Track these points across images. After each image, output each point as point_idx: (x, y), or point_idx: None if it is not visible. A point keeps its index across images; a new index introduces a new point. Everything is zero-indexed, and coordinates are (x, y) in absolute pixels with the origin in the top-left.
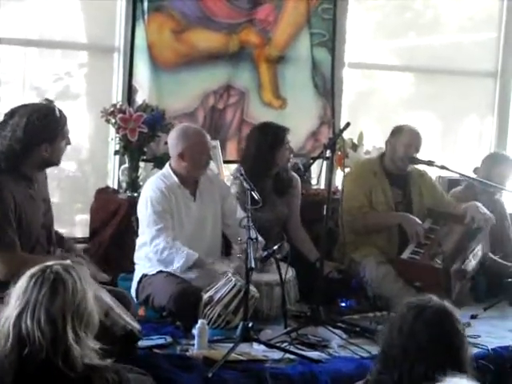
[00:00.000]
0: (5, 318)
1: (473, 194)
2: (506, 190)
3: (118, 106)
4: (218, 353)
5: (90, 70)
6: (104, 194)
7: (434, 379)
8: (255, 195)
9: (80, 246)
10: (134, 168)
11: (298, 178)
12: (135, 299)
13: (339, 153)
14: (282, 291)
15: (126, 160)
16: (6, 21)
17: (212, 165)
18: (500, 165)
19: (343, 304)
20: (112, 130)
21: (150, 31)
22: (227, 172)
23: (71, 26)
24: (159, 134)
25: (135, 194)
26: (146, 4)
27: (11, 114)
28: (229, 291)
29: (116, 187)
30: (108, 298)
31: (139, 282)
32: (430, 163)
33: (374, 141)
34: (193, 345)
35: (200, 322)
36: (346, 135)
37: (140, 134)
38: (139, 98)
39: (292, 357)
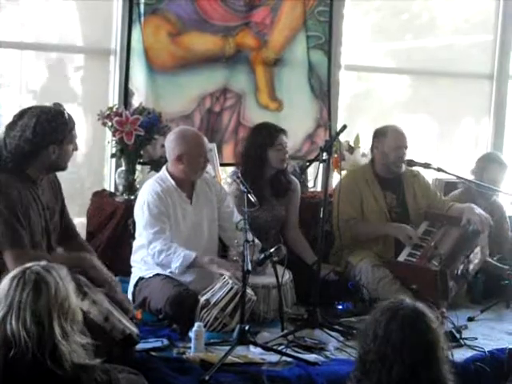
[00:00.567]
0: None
1: (471, 196)
2: (503, 191)
3: (114, 109)
4: (215, 356)
5: (87, 73)
6: (100, 197)
7: (413, 380)
8: (251, 198)
9: None
10: (130, 171)
11: (298, 182)
12: (132, 302)
13: (336, 155)
14: (278, 294)
15: (123, 163)
16: (3, 24)
17: (209, 168)
18: (490, 169)
19: (340, 307)
20: (108, 133)
21: (147, 34)
22: (224, 175)
23: (67, 29)
24: (156, 137)
25: (132, 197)
26: (142, 7)
27: (20, 115)
28: (225, 294)
29: (113, 190)
30: (107, 303)
31: (136, 285)
32: (426, 165)
33: (370, 143)
34: (189, 348)
35: (197, 324)
36: (342, 138)
37: (136, 137)
38: (135, 101)
39: (289, 359)
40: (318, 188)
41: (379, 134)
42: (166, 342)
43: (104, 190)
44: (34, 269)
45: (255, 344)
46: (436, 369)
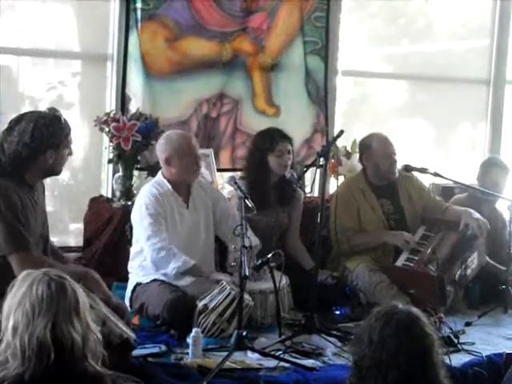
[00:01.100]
0: (29, 334)
1: (476, 202)
2: (505, 198)
3: (111, 115)
4: (213, 361)
5: (84, 79)
6: (98, 203)
7: None
8: (249, 203)
9: (74, 255)
10: (127, 177)
11: (302, 192)
12: (129, 308)
13: (333, 160)
14: (276, 299)
15: (120, 169)
16: (0, 30)
17: (206, 173)
18: (492, 174)
19: (337, 312)
20: (106, 139)
21: (144, 40)
22: (221, 180)
23: (64, 34)
24: (153, 143)
25: (129, 203)
26: (139, 13)
27: (17, 121)
28: (223, 299)
29: (110, 196)
30: (104, 308)
31: (133, 290)
32: (423, 170)
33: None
34: (187, 353)
35: (194, 330)
36: (339, 143)
37: (134, 143)
38: (133, 107)
39: (286, 365)
40: (315, 193)
41: (365, 146)
42: (163, 347)
43: (101, 196)
44: (52, 274)
45: (253, 349)
46: (432, 373)
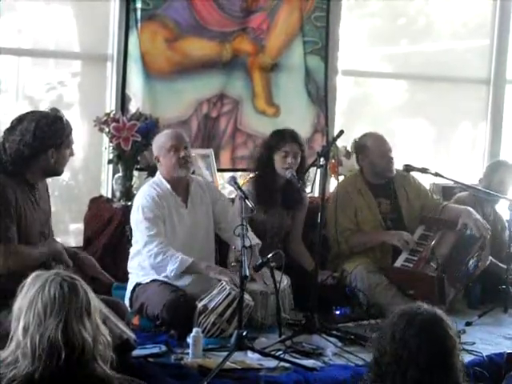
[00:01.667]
0: (40, 334)
1: (477, 201)
2: (507, 198)
3: (111, 115)
4: (213, 361)
5: (84, 79)
6: (98, 203)
7: None
8: (249, 203)
9: None
10: (127, 177)
11: (307, 197)
12: (129, 308)
13: (333, 160)
14: (276, 299)
15: (120, 169)
16: (0, 30)
17: (206, 173)
18: (499, 172)
19: (338, 312)
20: (106, 139)
21: (144, 40)
22: (221, 180)
23: (64, 35)
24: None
25: (129, 203)
26: (139, 13)
27: (19, 120)
28: (223, 300)
29: (110, 196)
30: (103, 308)
31: (133, 290)
32: (424, 170)
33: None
34: (187, 353)
35: (194, 330)
36: (339, 143)
37: (134, 143)
38: (133, 107)
39: (287, 365)
40: (316, 193)
41: (360, 146)
42: (163, 347)
43: (101, 196)
44: (63, 275)
45: (253, 350)
46: (451, 375)
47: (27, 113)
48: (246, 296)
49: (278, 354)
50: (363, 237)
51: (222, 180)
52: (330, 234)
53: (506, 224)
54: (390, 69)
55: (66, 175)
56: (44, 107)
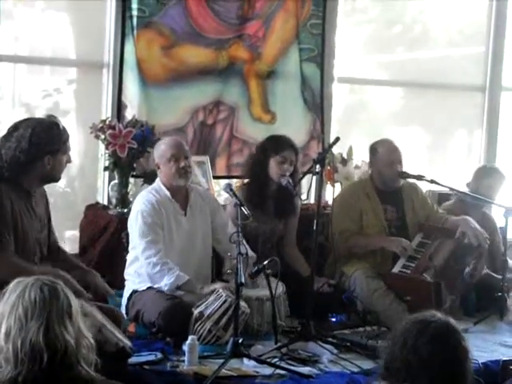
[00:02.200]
0: (22, 338)
1: (463, 207)
2: (495, 203)
3: (107, 122)
4: (209, 369)
5: (80, 86)
6: (94, 210)
7: None
8: (245, 210)
9: None
10: (123, 184)
11: (300, 203)
12: (125, 315)
13: (329, 167)
14: (272, 306)
15: (116, 176)
16: None
17: (202, 181)
18: (489, 177)
19: (334, 319)
20: (102, 146)
21: (140, 47)
22: (217, 187)
23: (61, 42)
24: (149, 150)
25: (125, 210)
26: (135, 20)
27: (15, 127)
28: (219, 307)
29: (106, 203)
30: (100, 315)
31: (129, 298)
32: (419, 177)
33: (363, 155)
34: (183, 361)
35: (190, 338)
36: (335, 150)
37: (129, 150)
38: (128, 114)
39: (283, 372)
40: (312, 200)
41: (372, 150)
42: (159, 355)
43: (97, 203)
44: (44, 279)
45: (249, 357)
46: None
47: (23, 119)
48: (242, 303)
49: (273, 361)
50: (362, 239)
51: (218, 187)
52: (332, 234)
53: (498, 228)
54: (386, 76)
55: (62, 182)
56: (40, 114)
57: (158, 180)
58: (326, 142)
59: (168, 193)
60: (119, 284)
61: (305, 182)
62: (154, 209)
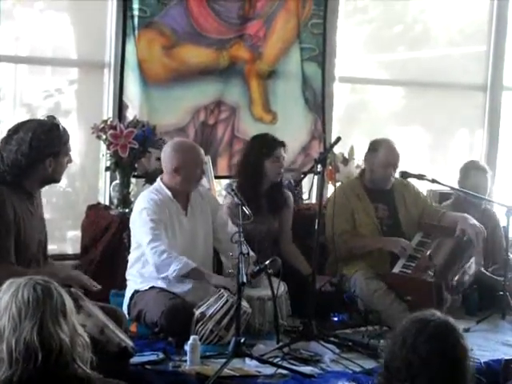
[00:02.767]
0: (16, 337)
1: (462, 206)
2: (493, 201)
3: (108, 122)
4: (211, 369)
5: (81, 87)
6: (95, 211)
7: None
8: (246, 210)
9: (71, 263)
10: (125, 184)
11: (291, 195)
12: (127, 315)
13: (330, 167)
14: (274, 306)
15: (117, 176)
16: None
17: (203, 180)
18: (471, 177)
19: (335, 318)
20: (103, 146)
21: (141, 47)
22: (218, 187)
23: (62, 42)
24: (150, 150)
25: (126, 210)
26: (136, 20)
27: (16, 130)
28: (221, 307)
29: (107, 203)
30: (102, 316)
31: (131, 297)
32: (420, 177)
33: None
34: (185, 361)
35: (192, 338)
36: (336, 149)
37: (131, 150)
38: (130, 114)
39: (284, 372)
40: (313, 200)
41: (372, 148)
42: (161, 355)
43: (99, 204)
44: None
45: (251, 356)
46: None
47: (23, 122)
48: (244, 303)
49: (275, 360)
50: (362, 240)
51: (220, 187)
52: (329, 237)
53: (500, 224)
54: (387, 75)
55: (63, 182)
56: (41, 114)
57: (158, 180)
58: (328, 141)
59: (169, 193)
60: (120, 284)
61: (306, 182)
62: (157, 206)
